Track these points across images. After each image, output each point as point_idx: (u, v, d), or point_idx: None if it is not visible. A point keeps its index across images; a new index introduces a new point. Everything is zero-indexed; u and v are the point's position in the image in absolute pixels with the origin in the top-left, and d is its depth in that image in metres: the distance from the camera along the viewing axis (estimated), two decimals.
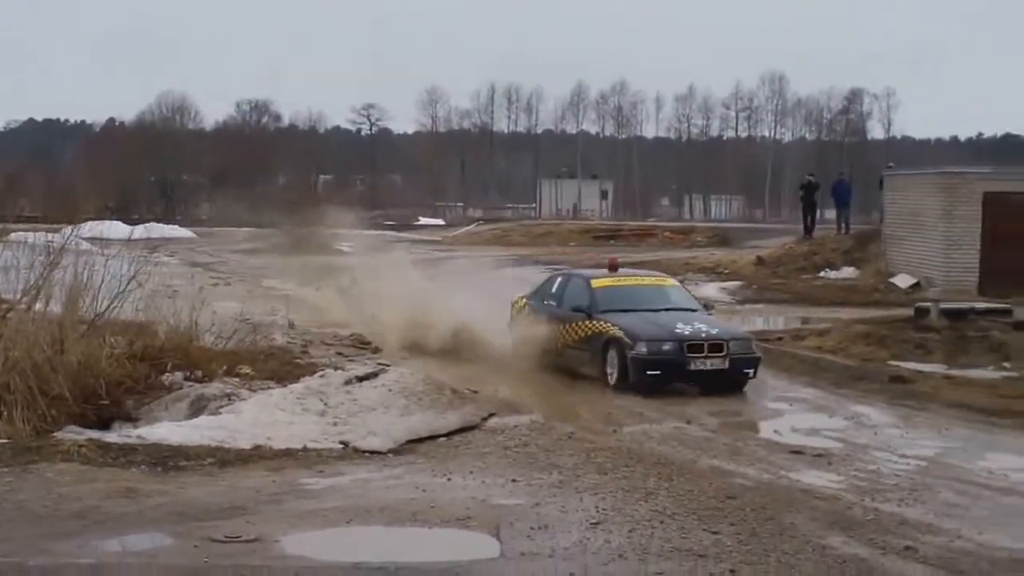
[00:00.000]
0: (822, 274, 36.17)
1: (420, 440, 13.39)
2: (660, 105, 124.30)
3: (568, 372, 18.48)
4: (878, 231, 38.32)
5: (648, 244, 56.51)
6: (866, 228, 41.80)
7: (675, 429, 14.49)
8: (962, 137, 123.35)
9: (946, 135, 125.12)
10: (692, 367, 17.01)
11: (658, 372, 16.99)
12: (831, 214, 45.96)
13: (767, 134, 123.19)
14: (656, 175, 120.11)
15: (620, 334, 17.35)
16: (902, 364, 19.44)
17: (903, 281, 33.28)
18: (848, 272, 36.02)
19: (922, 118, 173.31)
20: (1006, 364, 19.85)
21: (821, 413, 16.04)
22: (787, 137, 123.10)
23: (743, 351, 17.35)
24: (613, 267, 19.97)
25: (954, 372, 19.36)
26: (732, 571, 8.73)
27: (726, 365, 17.10)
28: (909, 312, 23.76)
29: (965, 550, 9.52)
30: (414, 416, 14.25)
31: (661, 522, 10.03)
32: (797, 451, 13.23)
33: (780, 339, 22.77)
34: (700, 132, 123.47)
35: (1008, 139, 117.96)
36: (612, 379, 17.36)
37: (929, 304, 23.34)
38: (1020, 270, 29.86)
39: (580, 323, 18.32)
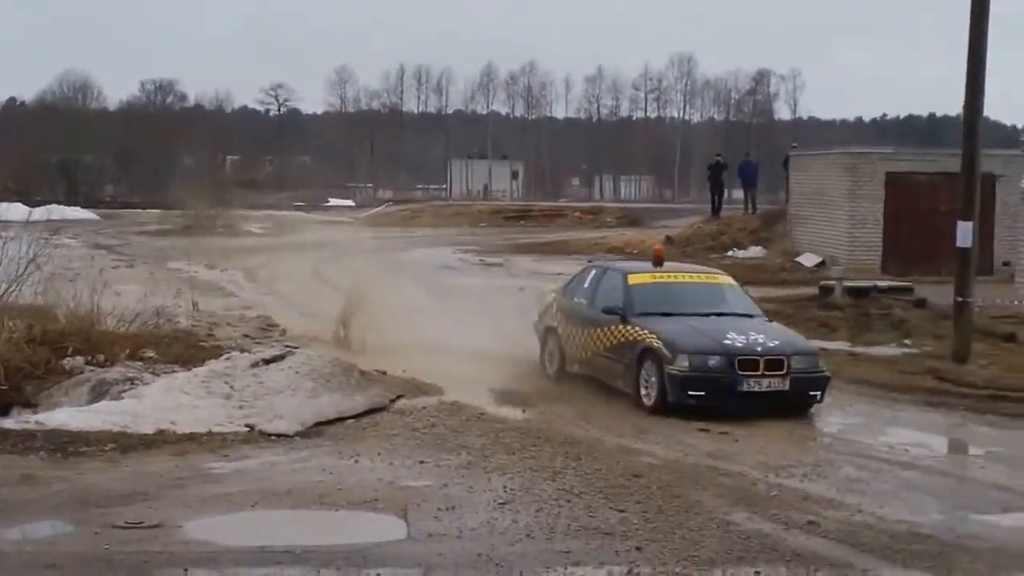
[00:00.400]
0: (730, 253, 36.52)
1: (328, 422, 13.31)
2: (570, 86, 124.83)
3: (598, 386, 15.65)
4: (784, 211, 38.78)
5: (558, 224, 56.64)
6: (773, 208, 42.27)
7: (584, 408, 14.53)
8: (866, 118, 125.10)
9: (851, 116, 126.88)
10: (744, 388, 14.01)
11: (702, 393, 13.95)
12: (739, 194, 46.39)
13: (676, 115, 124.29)
14: (566, 156, 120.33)
15: (658, 344, 14.35)
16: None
17: (808, 260, 33.70)
18: (755, 251, 36.42)
19: (827, 99, 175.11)
20: (907, 341, 20.18)
21: None
22: (696, 118, 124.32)
23: (808, 369, 14.34)
24: (658, 259, 16.57)
25: (857, 349, 19.66)
26: (638, 548, 8.78)
27: (786, 386, 14.12)
28: (814, 291, 24.09)
29: (866, 524, 9.67)
30: (322, 398, 14.16)
31: (568, 501, 10.07)
32: (703, 429, 13.33)
33: None
34: (610, 113, 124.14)
35: (911, 120, 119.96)
36: (649, 400, 14.37)
37: (833, 283, 23.67)
38: (921, 249, 30.41)
39: (612, 328, 15.32)
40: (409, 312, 22.17)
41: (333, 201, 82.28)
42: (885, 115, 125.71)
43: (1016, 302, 22.52)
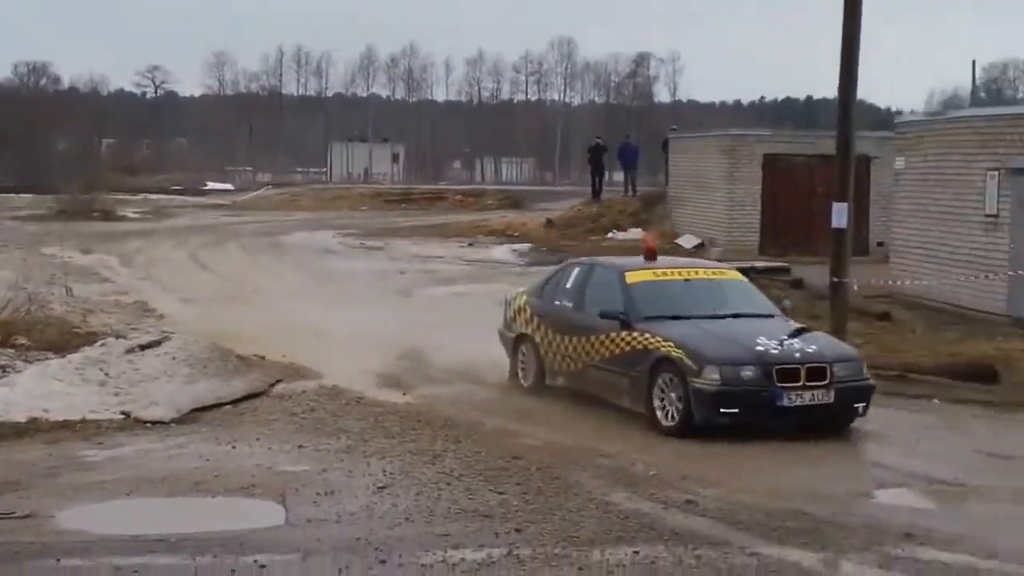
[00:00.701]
0: (610, 235, 36.72)
1: (205, 408, 13.17)
2: (450, 69, 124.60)
3: (592, 402, 13.57)
4: (664, 193, 39.11)
5: (439, 208, 56.48)
6: (653, 190, 42.61)
7: (464, 391, 14.50)
8: (745, 101, 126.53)
9: (730, 99, 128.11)
10: (784, 402, 12.13)
11: (735, 410, 12.08)
12: (620, 176, 46.67)
13: (557, 98, 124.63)
14: (448, 139, 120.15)
15: (678, 354, 12.36)
16: None
17: (688, 241, 34.02)
18: (635, 233, 36.56)
19: (707, 82, 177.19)
20: None
21: None
22: (576, 100, 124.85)
23: (852, 377, 12.56)
24: (650, 253, 14.53)
25: None
26: (518, 530, 8.80)
27: (831, 398, 12.28)
28: None
29: (743, 502, 9.77)
30: (199, 384, 13.98)
31: (448, 484, 10.06)
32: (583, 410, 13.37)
33: None
34: (491, 96, 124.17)
35: (788, 102, 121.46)
36: (670, 420, 12.39)
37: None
38: (798, 230, 30.88)
39: (612, 335, 13.24)
40: (289, 297, 22.05)
41: (212, 184, 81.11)
42: (763, 98, 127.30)
43: (890, 282, 22.93)
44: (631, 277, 13.84)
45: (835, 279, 18.41)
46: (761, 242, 32.38)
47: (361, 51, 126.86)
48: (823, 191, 25.44)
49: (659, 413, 12.50)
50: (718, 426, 12.04)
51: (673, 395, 12.35)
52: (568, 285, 14.66)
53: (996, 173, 20.88)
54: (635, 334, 12.97)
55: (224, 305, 21.00)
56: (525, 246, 35.61)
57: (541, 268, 29.96)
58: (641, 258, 14.47)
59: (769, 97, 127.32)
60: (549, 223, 39.92)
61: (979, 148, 21.52)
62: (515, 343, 15.18)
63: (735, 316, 13.42)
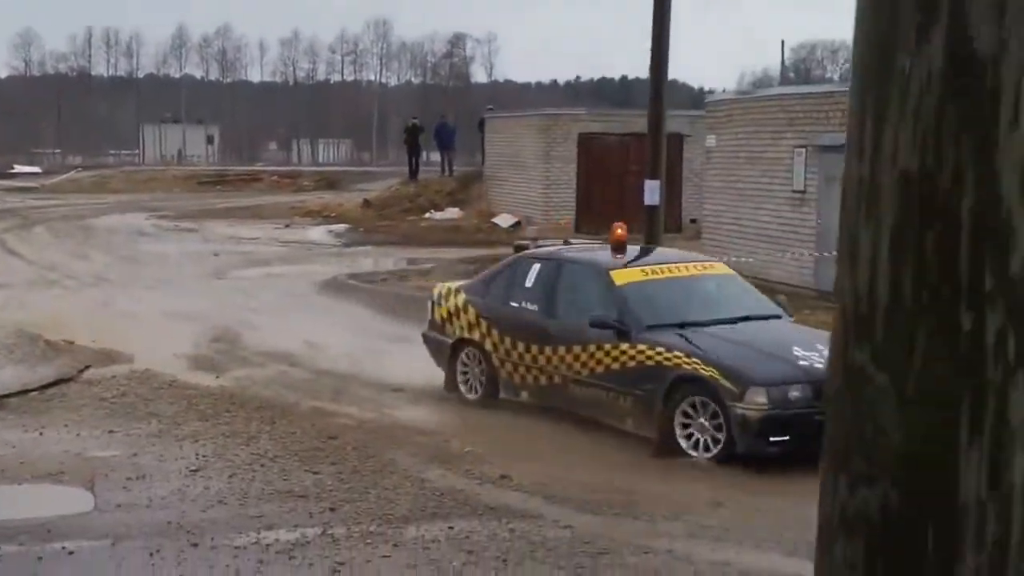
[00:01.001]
0: (428, 215, 36.71)
1: (11, 395, 12.79)
2: (265, 49, 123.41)
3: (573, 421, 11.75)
4: (480, 172, 39.22)
5: (255, 189, 55.80)
6: (470, 170, 42.67)
7: (279, 372, 14.36)
8: (561, 81, 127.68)
9: (546, 79, 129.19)
10: None
11: (786, 438, 10.26)
12: (437, 157, 46.64)
13: (373, 78, 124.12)
14: (263, 120, 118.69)
15: (709, 372, 10.60)
16: None
17: (505, 221, 34.19)
18: (452, 213, 36.71)
19: (524, 63, 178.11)
20: None
21: (424, 350, 16.08)
22: (393, 81, 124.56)
23: None
24: (619, 245, 12.67)
25: None
26: (332, 509, 8.76)
27: None
28: (510, 251, 24.41)
29: (558, 475, 9.87)
30: (4, 370, 13.66)
31: (262, 465, 9.96)
32: (398, 389, 13.35)
33: (385, 280, 22.97)
34: (306, 76, 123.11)
35: (604, 82, 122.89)
36: (700, 449, 10.61)
37: (527, 242, 24.03)
38: (613, 208, 31.09)
39: (607, 348, 11.44)
40: (100, 280, 21.57)
41: (19, 168, 78.79)
42: (579, 78, 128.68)
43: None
44: (619, 277, 11.95)
45: None
46: (577, 220, 32.71)
47: (172, 31, 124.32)
48: (637, 169, 25.80)
49: (684, 442, 10.65)
50: (768, 456, 10.29)
51: (704, 421, 10.56)
52: (528, 284, 12.52)
53: (803, 150, 21.39)
54: (640, 347, 11.17)
55: (32, 290, 20.48)
56: (342, 227, 35.40)
57: (359, 248, 29.98)
58: (608, 250, 12.83)
59: (585, 77, 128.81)
60: (366, 203, 39.73)
61: (787, 126, 22.04)
62: (453, 350, 13.11)
63: (745, 319, 11.78)
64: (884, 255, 1.72)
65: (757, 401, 10.31)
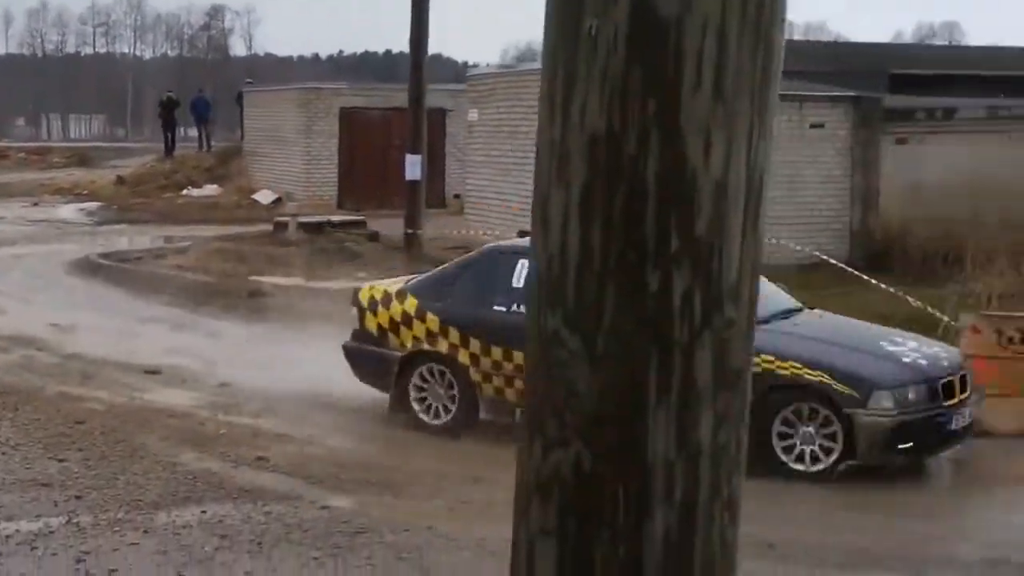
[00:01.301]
0: (185, 192, 35.89)
1: None
2: (10, 20, 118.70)
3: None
4: (240, 147, 38.60)
5: (1, 166, 53.73)
6: (228, 145, 41.94)
7: (24, 357, 13.78)
8: (323, 54, 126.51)
9: (308, 52, 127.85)
10: (954, 425, 9.85)
11: (911, 444, 9.56)
12: (195, 132, 45.69)
13: (127, 51, 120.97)
14: (10, 94, 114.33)
15: (817, 377, 9.54)
16: (262, 279, 19.60)
17: (265, 197, 33.72)
18: (211, 190, 35.99)
19: (285, 36, 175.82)
20: (361, 274, 20.52)
21: (180, 332, 15.77)
22: (148, 54, 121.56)
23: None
24: None
25: (314, 284, 19.83)
26: (78, 497, 8.47)
27: (970, 417, 10.14)
28: (270, 228, 24.10)
29: (316, 455, 9.78)
30: None
31: (3, 454, 9.60)
32: (152, 371, 12.95)
33: (140, 259, 22.41)
34: (56, 49, 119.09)
35: (367, 56, 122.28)
36: (803, 462, 9.52)
37: (287, 218, 23.78)
38: (375, 183, 31.10)
39: None
40: None
41: None
42: (342, 51, 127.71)
43: (463, 232, 23.46)
44: None
45: (409, 231, 18.73)
46: (339, 196, 32.44)
47: None
48: (400, 144, 25.69)
49: (783, 455, 9.52)
50: (890, 464, 9.65)
51: (811, 430, 9.49)
52: (515, 284, 10.44)
53: None
54: None
55: None
56: (94, 205, 34.32)
57: (112, 227, 29.11)
58: None
59: (348, 51, 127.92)
60: (120, 180, 38.61)
61: None
62: (403, 365, 11.04)
63: (785, 314, 10.51)
64: (574, 218, 1.71)
65: (884, 406, 9.46)
